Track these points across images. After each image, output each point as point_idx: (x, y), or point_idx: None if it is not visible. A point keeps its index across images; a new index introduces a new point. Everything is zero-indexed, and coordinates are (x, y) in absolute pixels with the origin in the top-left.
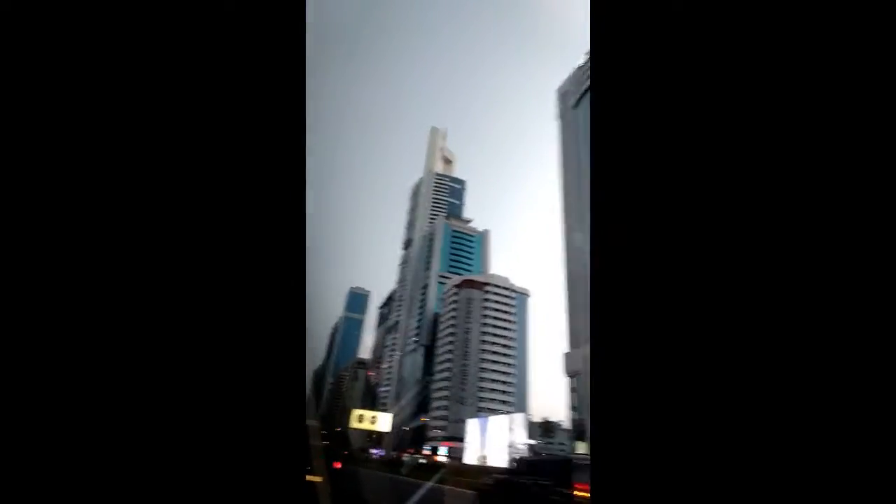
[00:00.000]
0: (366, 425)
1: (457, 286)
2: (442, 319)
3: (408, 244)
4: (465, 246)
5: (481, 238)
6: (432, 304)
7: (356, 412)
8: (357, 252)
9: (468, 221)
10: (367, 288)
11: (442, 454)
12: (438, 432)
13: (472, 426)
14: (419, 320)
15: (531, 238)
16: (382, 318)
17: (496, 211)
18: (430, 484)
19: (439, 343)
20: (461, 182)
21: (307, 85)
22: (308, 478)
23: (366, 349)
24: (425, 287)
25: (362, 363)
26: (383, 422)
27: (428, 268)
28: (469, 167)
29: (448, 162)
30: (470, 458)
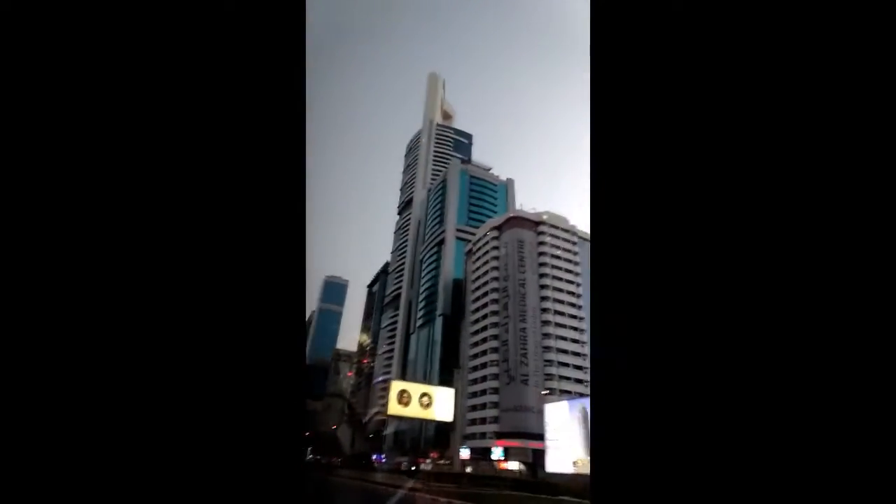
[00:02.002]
0: (414, 410)
1: (497, 227)
2: (473, 276)
3: (404, 207)
4: (488, 195)
5: (505, 188)
6: (450, 264)
7: (397, 387)
8: (333, 238)
9: (488, 169)
10: (344, 277)
11: (497, 457)
12: (484, 427)
13: (553, 412)
14: (430, 287)
15: (553, 195)
16: (373, 299)
17: (504, 170)
18: None
19: (473, 307)
20: (468, 136)
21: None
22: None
23: (347, 341)
24: (439, 245)
25: (342, 355)
26: (442, 402)
27: (441, 222)
28: (470, 123)
29: (448, 117)
30: (557, 463)
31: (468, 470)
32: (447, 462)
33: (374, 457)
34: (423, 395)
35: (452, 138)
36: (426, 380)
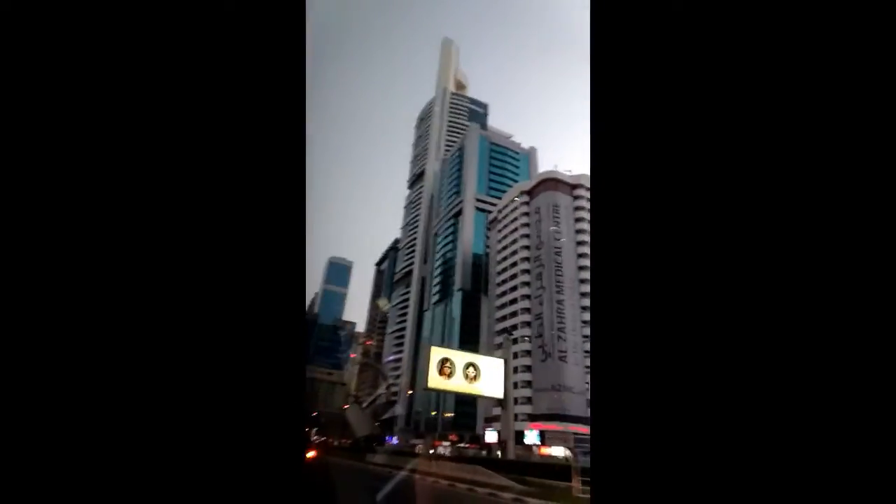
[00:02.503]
0: (458, 384)
1: (527, 192)
2: (499, 246)
3: (415, 180)
4: (510, 164)
5: (528, 158)
6: (469, 235)
7: (437, 354)
8: (338, 218)
9: (509, 136)
10: (349, 258)
11: (533, 441)
12: (515, 408)
13: None
14: (446, 261)
15: (575, 169)
16: (382, 277)
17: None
18: None
19: (499, 280)
20: (483, 105)
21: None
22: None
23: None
24: (455, 217)
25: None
26: (491, 375)
27: (457, 193)
28: (485, 94)
29: (461, 87)
30: None
31: (509, 456)
32: (466, 446)
33: (387, 439)
34: (469, 365)
35: (467, 107)
36: None
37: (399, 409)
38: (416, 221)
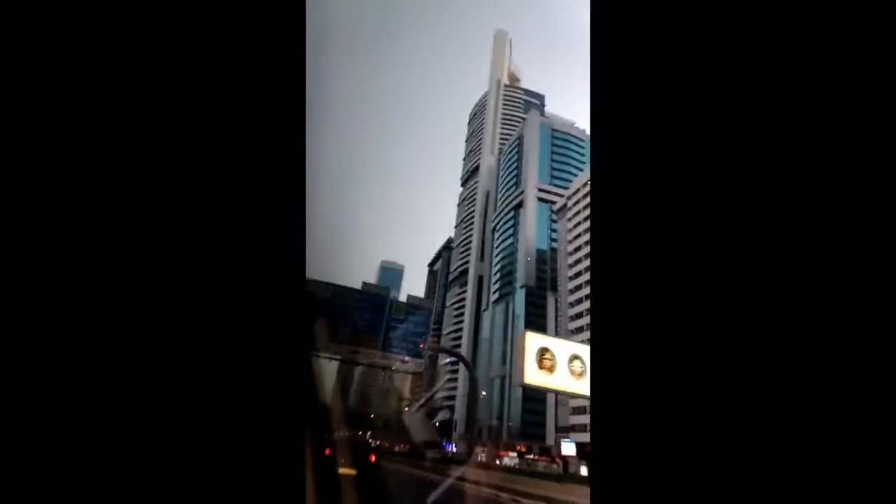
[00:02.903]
0: (561, 379)
1: None
2: (570, 236)
3: (468, 177)
4: (574, 151)
5: None
6: (532, 228)
7: (533, 343)
8: (388, 222)
9: (572, 123)
10: (400, 262)
11: None
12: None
13: None
14: (506, 257)
15: None
16: (435, 277)
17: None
18: None
19: (571, 273)
20: (539, 96)
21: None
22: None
23: None
24: (515, 209)
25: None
26: None
27: (517, 184)
28: (540, 87)
29: (515, 80)
30: None
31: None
32: (535, 458)
33: (444, 445)
34: (575, 357)
35: (522, 99)
36: (503, 361)
37: (457, 414)
38: (471, 218)
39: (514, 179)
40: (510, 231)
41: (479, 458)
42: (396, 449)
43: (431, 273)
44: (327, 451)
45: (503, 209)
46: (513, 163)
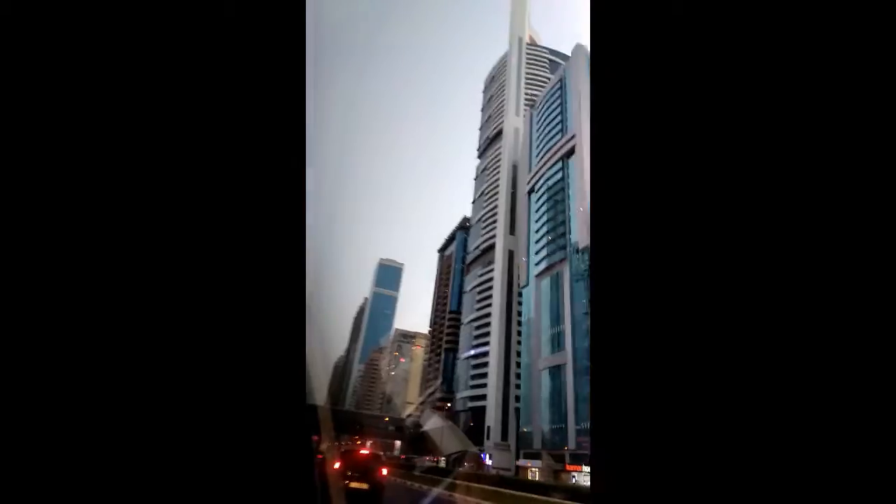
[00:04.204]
0: None
1: None
2: None
3: (487, 146)
4: None
5: None
6: (588, 172)
7: None
8: (387, 221)
9: None
10: (398, 260)
11: None
12: None
13: None
14: (551, 219)
15: None
16: (449, 263)
17: None
18: None
19: None
20: (565, 56)
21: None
22: None
23: (405, 326)
24: (565, 158)
25: (407, 336)
26: None
27: (563, 131)
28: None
29: (533, 43)
30: None
31: None
32: None
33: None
34: None
35: (546, 58)
36: (556, 347)
37: (490, 417)
38: (494, 190)
39: (559, 127)
40: (556, 187)
41: (531, 474)
42: (417, 462)
43: (443, 258)
44: (339, 464)
45: (542, 167)
46: (553, 110)
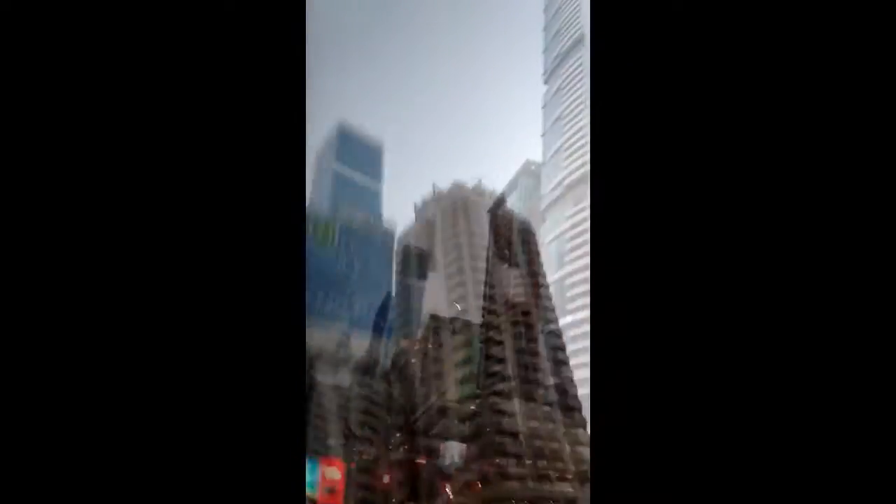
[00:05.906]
0: None
1: None
2: None
3: (556, 66)
4: None
5: None
6: None
7: None
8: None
9: None
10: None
11: None
12: None
13: None
14: None
15: None
16: (506, 222)
17: None
18: None
19: None
20: None
21: None
22: None
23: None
24: None
25: (438, 320)
26: None
27: None
28: None
29: None
30: None
31: None
32: None
33: None
34: None
35: None
36: None
37: None
38: (575, 113)
39: None
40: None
41: None
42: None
43: (495, 217)
44: (387, 479)
45: None
46: None
